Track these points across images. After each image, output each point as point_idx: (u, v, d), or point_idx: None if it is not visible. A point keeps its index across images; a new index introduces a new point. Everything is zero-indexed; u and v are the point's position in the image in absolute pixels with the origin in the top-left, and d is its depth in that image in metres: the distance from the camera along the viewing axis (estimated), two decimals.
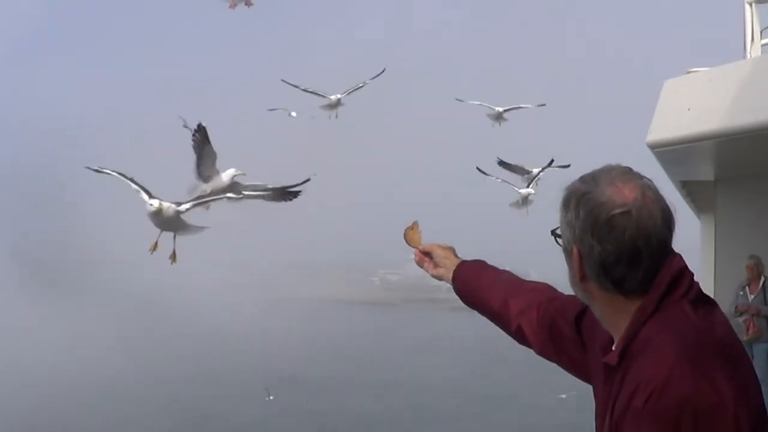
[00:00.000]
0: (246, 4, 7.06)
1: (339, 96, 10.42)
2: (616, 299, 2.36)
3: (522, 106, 15.37)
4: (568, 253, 2.43)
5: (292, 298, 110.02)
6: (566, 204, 2.40)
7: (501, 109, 14.82)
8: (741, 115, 6.03)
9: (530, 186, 13.80)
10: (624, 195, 2.29)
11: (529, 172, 13.82)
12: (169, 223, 6.99)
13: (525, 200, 13.49)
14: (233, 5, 6.85)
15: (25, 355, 62.72)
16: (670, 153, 5.85)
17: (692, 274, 2.38)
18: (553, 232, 2.52)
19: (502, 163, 14.24)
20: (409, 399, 54.83)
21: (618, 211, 2.28)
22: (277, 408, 51.50)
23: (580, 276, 2.40)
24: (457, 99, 15.15)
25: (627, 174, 2.36)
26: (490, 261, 3.36)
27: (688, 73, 5.85)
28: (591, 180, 2.37)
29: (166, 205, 6.89)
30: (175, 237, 7.27)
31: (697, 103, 5.68)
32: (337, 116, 10.45)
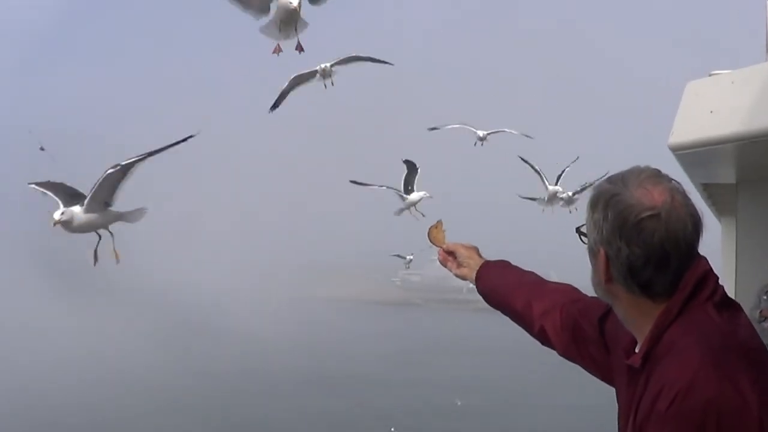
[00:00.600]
0: (297, 50, 6.96)
1: (326, 65, 9.83)
2: (642, 302, 2.35)
3: (506, 130, 15.47)
4: (593, 253, 2.42)
5: (313, 297, 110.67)
6: (594, 204, 2.38)
7: (483, 133, 14.96)
8: (763, 117, 6.01)
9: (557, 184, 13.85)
10: (653, 198, 2.28)
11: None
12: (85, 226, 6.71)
13: (553, 197, 13.58)
14: (277, 51, 6.76)
15: (42, 353, 63.19)
16: (691, 155, 5.81)
17: (717, 278, 2.37)
18: (577, 230, 2.51)
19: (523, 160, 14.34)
20: (430, 396, 55.15)
21: (647, 213, 2.26)
22: (304, 405, 52.00)
23: (605, 277, 2.38)
24: (430, 128, 15.22)
25: (656, 176, 2.34)
26: (515, 261, 3.36)
27: (710, 75, 5.83)
28: (620, 181, 2.35)
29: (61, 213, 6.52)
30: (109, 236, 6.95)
31: (720, 106, 5.64)
32: (333, 84, 9.89)
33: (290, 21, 6.84)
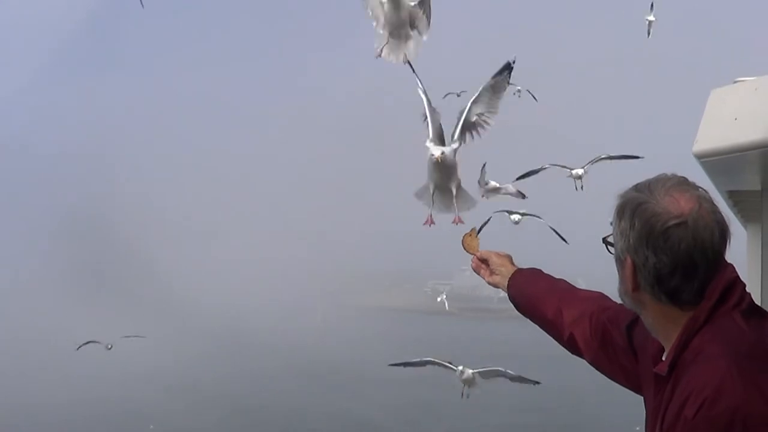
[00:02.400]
0: (455, 223, 5.98)
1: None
2: (669, 310, 2.35)
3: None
4: (620, 262, 2.41)
5: (352, 306, 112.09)
6: (620, 213, 2.37)
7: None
8: None
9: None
10: (680, 206, 2.27)
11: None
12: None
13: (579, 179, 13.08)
14: (429, 222, 6.05)
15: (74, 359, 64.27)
16: (716, 162, 5.77)
17: (744, 285, 2.36)
18: (604, 240, 2.51)
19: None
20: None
21: (674, 222, 2.26)
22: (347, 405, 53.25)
23: (632, 286, 2.38)
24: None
25: (683, 184, 2.34)
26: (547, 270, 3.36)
27: (735, 82, 5.80)
28: (646, 189, 2.34)
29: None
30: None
31: (744, 113, 5.61)
32: None
33: (443, 184, 5.87)
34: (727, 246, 2.33)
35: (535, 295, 3.25)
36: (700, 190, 2.35)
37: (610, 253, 2.48)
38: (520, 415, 50.89)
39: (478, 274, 3.51)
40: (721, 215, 2.32)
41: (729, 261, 2.37)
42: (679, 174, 2.41)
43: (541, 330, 3.28)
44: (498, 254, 3.48)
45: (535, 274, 3.36)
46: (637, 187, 2.39)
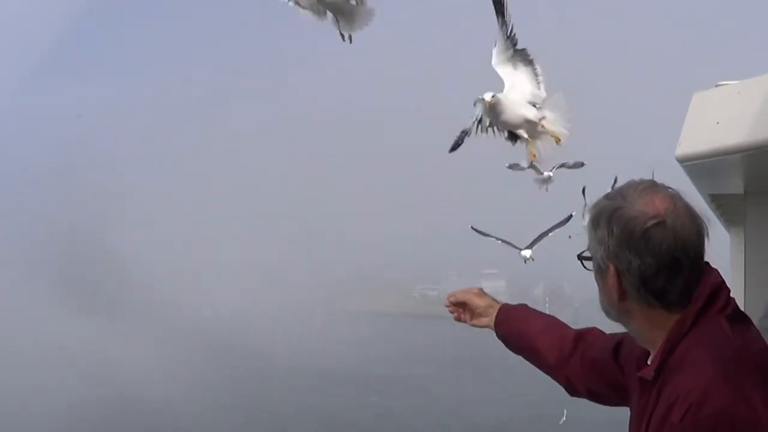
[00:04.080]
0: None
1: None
2: (656, 314, 2.33)
3: None
4: (602, 272, 2.38)
5: (346, 311, 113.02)
6: (595, 222, 2.35)
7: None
8: None
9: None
10: (656, 206, 2.27)
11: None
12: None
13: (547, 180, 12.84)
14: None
15: (65, 370, 64.39)
16: (699, 166, 5.78)
17: (729, 290, 2.35)
18: (579, 257, 2.48)
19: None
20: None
21: (652, 222, 2.25)
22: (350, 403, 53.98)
23: (618, 294, 2.35)
24: None
25: (654, 186, 2.33)
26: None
27: (717, 86, 5.83)
28: (618, 196, 2.33)
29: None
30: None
31: (726, 116, 5.63)
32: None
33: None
34: (707, 242, 2.32)
35: (525, 334, 3.12)
36: (671, 189, 2.34)
37: (587, 269, 2.45)
38: (515, 414, 51.23)
39: (460, 321, 3.31)
40: (696, 212, 2.32)
41: (713, 265, 2.37)
42: (662, 178, 2.40)
43: None
44: (477, 294, 3.30)
45: (523, 314, 3.22)
46: (609, 196, 2.37)
